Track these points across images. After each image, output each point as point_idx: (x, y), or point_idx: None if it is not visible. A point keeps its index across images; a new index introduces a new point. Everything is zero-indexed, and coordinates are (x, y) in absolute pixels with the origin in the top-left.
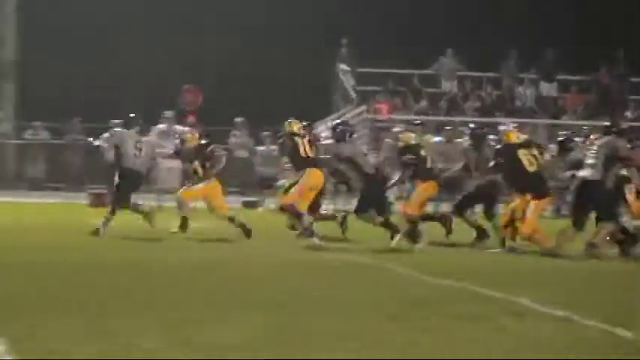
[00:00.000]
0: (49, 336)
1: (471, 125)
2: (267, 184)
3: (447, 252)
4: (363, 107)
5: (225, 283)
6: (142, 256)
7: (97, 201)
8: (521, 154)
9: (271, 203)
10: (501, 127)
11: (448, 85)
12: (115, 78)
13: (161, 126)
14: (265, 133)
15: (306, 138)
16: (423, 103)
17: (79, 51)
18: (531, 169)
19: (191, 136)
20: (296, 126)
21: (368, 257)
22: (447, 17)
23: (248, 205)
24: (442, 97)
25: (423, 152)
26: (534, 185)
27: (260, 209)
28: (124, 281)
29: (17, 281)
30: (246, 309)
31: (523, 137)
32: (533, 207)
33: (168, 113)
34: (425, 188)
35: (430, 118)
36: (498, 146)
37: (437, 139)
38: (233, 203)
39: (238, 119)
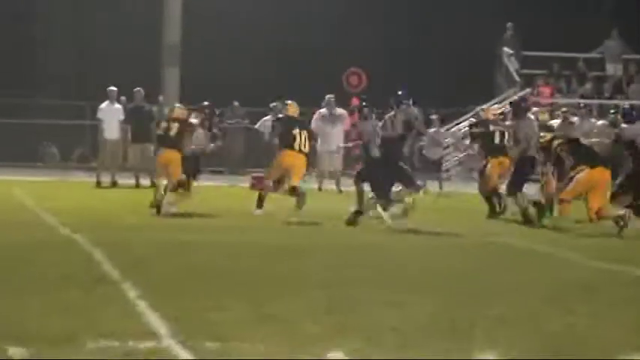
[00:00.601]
0: (213, 319)
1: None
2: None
3: (606, 235)
4: (527, 90)
5: (374, 265)
6: (294, 239)
7: (258, 184)
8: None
9: (432, 186)
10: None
11: (612, 68)
12: (275, 62)
13: (322, 110)
14: (433, 116)
15: (298, 129)
16: (588, 86)
17: (239, 34)
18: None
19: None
20: (293, 109)
21: (521, 240)
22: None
23: None
24: (607, 80)
25: (492, 127)
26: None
27: (421, 192)
28: (278, 264)
29: (174, 262)
30: (401, 292)
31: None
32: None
33: (329, 97)
34: (495, 164)
35: (594, 101)
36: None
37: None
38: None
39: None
